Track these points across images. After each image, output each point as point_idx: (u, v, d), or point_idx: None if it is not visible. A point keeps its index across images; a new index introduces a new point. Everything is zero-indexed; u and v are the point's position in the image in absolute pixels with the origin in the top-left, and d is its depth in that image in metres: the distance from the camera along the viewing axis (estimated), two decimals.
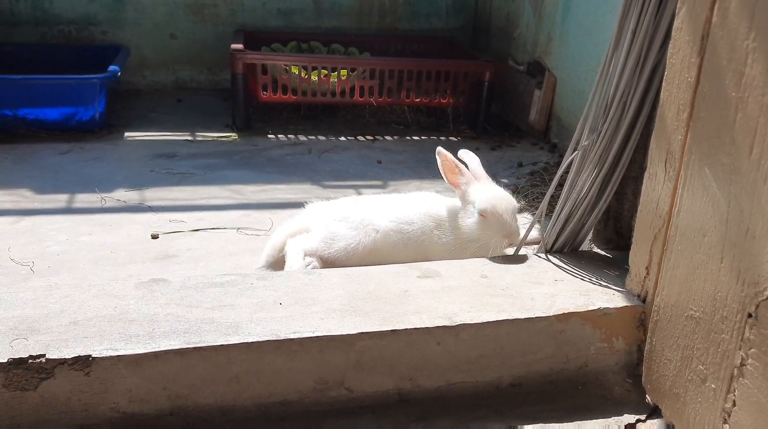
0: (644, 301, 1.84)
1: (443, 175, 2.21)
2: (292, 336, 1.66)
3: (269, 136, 3.83)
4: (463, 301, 1.84)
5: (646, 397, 1.74)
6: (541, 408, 1.79)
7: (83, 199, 2.77)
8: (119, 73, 3.69)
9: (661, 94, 1.70)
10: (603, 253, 2.24)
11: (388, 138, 3.91)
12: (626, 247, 2.23)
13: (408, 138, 3.93)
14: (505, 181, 3.25)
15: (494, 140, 3.92)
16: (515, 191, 3.02)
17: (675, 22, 1.64)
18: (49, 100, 3.54)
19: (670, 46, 1.66)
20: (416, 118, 4.21)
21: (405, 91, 3.94)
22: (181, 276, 2.15)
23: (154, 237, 2.45)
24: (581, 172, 2.08)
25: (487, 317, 1.76)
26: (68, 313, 1.70)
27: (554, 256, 2.16)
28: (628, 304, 1.83)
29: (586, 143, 2.04)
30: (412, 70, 3.90)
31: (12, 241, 2.37)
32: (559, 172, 2.17)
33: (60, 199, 2.76)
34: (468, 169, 2.26)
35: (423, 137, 3.96)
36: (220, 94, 4.70)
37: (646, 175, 1.80)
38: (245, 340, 1.62)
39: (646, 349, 1.71)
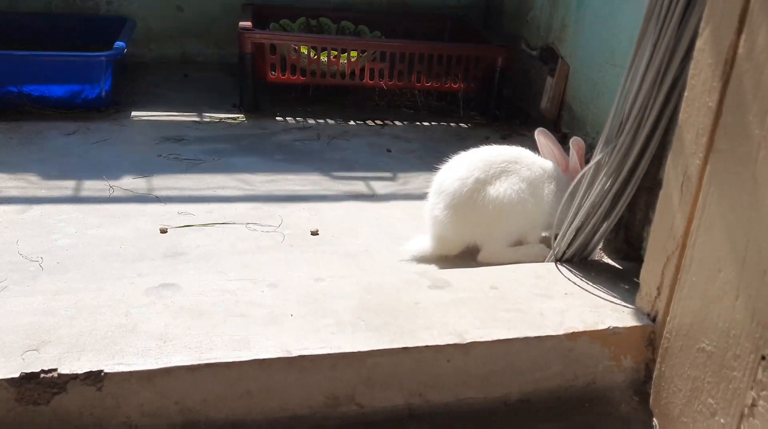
0: (654, 320, 1.84)
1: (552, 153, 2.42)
2: (303, 352, 1.66)
3: (277, 118, 3.79)
4: (474, 316, 1.85)
5: (653, 420, 1.76)
6: (548, 424, 1.80)
7: (91, 187, 2.75)
8: (126, 50, 3.63)
9: (680, 114, 1.68)
10: (613, 263, 2.23)
11: (398, 123, 3.86)
12: (637, 257, 2.23)
13: (418, 124, 3.88)
14: None
15: (505, 128, 3.88)
16: None
17: (698, 41, 1.61)
18: (55, 77, 3.49)
19: (692, 66, 1.63)
20: (426, 102, 4.15)
21: (416, 75, 3.88)
22: (190, 277, 2.16)
23: (163, 231, 2.44)
24: (595, 183, 2.06)
25: (497, 335, 1.77)
26: (79, 322, 1.71)
27: (564, 267, 2.16)
28: (638, 324, 1.84)
29: (600, 156, 2.01)
30: (423, 53, 3.84)
31: (20, 232, 2.36)
32: (573, 184, 2.15)
33: (67, 186, 2.74)
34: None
35: (433, 123, 3.91)
36: (227, 69, 4.62)
37: (661, 194, 1.78)
38: (257, 357, 1.63)
39: (655, 373, 1.72)
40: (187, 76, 4.42)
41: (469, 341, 1.74)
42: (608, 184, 2.01)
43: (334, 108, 4.03)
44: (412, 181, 3.08)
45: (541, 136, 2.44)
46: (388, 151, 3.41)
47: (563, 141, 3.63)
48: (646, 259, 1.85)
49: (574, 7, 3.61)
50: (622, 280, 2.09)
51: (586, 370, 1.85)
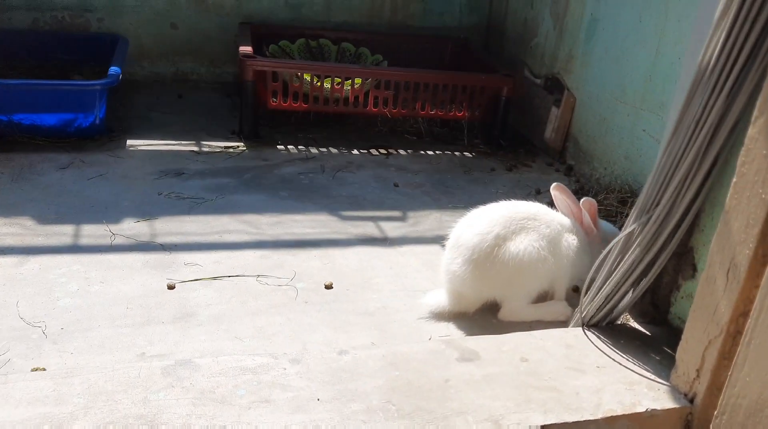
0: (692, 401, 1.79)
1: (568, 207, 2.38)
2: None
3: (279, 146, 3.68)
4: (507, 397, 1.78)
5: None
6: None
7: (91, 233, 2.63)
8: (121, 76, 3.49)
9: (728, 199, 1.62)
10: (640, 328, 2.17)
11: (402, 152, 3.78)
12: (662, 321, 2.18)
13: (422, 153, 3.80)
14: None
15: (509, 158, 3.81)
16: None
17: (750, 129, 1.55)
18: (47, 106, 3.35)
19: (743, 153, 1.57)
20: (430, 128, 4.07)
21: (420, 103, 3.80)
22: (204, 346, 2.06)
23: (171, 287, 2.33)
24: (627, 253, 2.00)
25: (534, 420, 1.70)
26: (95, 412, 1.61)
27: (592, 333, 2.10)
28: (676, 406, 1.79)
29: (633, 227, 1.95)
30: (429, 82, 3.75)
31: (20, 291, 2.24)
32: (604, 253, 2.08)
33: (66, 232, 2.62)
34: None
35: (437, 152, 3.83)
36: (222, 88, 4.51)
37: (703, 277, 1.73)
38: None
39: None
40: (181, 97, 4.29)
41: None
42: (641, 255, 1.95)
43: (336, 134, 3.94)
44: (423, 221, 3.00)
45: (556, 191, 2.37)
46: (396, 185, 3.33)
47: (569, 172, 3.59)
48: (684, 337, 1.80)
49: (582, 40, 3.55)
50: (651, 349, 2.04)
51: None
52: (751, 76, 1.62)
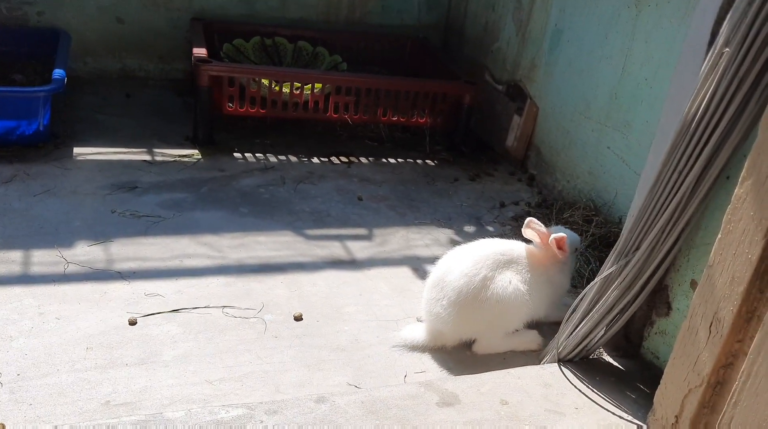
0: None
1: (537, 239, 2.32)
2: None
3: (235, 154, 3.56)
4: None
5: None
6: None
7: (41, 259, 2.48)
8: (65, 80, 3.29)
9: (713, 254, 1.63)
10: (613, 362, 2.20)
11: (363, 160, 3.71)
12: (634, 354, 2.21)
13: (384, 161, 3.74)
14: (490, 228, 3.14)
15: (471, 166, 3.79)
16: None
17: (738, 189, 1.55)
18: None
19: (729, 211, 1.57)
20: (391, 133, 4.01)
21: (382, 109, 3.72)
22: (174, 392, 1.96)
23: (132, 323, 2.22)
24: (605, 293, 2.00)
25: None
26: None
27: (567, 369, 2.11)
28: None
29: (612, 270, 1.95)
30: (390, 89, 3.68)
31: None
32: (581, 295, 2.08)
33: (14, 259, 2.46)
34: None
35: (399, 160, 3.78)
36: (172, 86, 4.32)
37: (684, 325, 1.74)
38: None
39: None
40: (129, 97, 4.09)
41: None
42: (618, 296, 1.96)
43: (295, 140, 3.83)
44: (390, 239, 2.95)
45: (528, 229, 2.33)
46: (360, 199, 3.26)
47: (531, 183, 3.59)
48: (663, 382, 1.81)
49: (546, 49, 3.53)
50: (626, 385, 2.06)
51: None
52: (737, 129, 1.62)
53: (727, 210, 1.56)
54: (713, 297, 1.61)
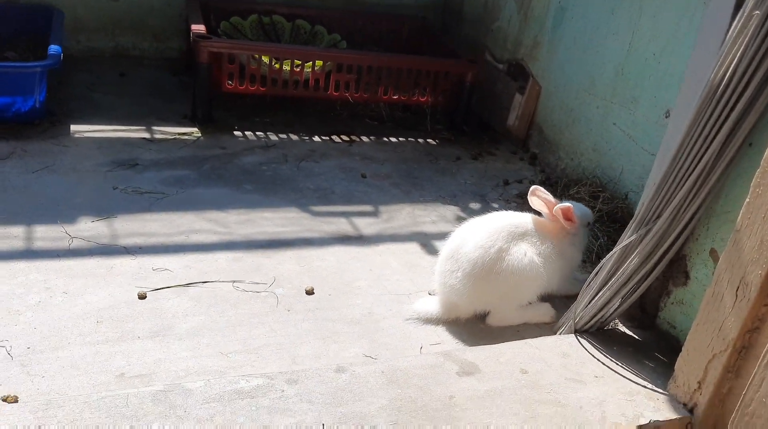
0: (691, 411, 1.81)
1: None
2: None
3: (236, 133, 3.50)
4: (514, 412, 1.75)
5: None
6: None
7: (44, 235, 2.42)
8: (62, 56, 3.21)
9: (740, 219, 1.62)
10: (629, 332, 2.19)
11: (365, 139, 3.67)
12: (650, 325, 2.20)
13: (385, 140, 3.71)
14: (495, 206, 3.13)
15: (473, 146, 3.77)
16: None
17: None
18: None
19: (759, 175, 1.57)
20: (391, 113, 3.97)
21: (383, 88, 3.68)
22: (190, 364, 1.92)
23: (142, 297, 2.18)
24: (624, 263, 1.99)
25: None
26: None
27: (585, 339, 2.10)
28: (677, 416, 1.81)
29: (632, 238, 1.94)
30: (392, 66, 3.64)
31: None
32: (598, 266, 2.06)
33: (16, 235, 2.40)
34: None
35: (401, 139, 3.75)
36: (167, 65, 4.24)
37: (708, 292, 1.74)
38: None
39: None
40: (123, 76, 4.01)
41: None
42: (638, 265, 1.94)
43: (295, 119, 3.78)
44: (396, 216, 2.92)
45: (534, 196, 2.32)
46: (363, 176, 3.23)
47: (533, 162, 3.58)
48: (685, 349, 1.81)
49: (549, 27, 3.51)
50: (644, 355, 2.05)
51: None
52: (765, 93, 1.61)
53: (756, 173, 1.56)
54: (740, 261, 1.61)
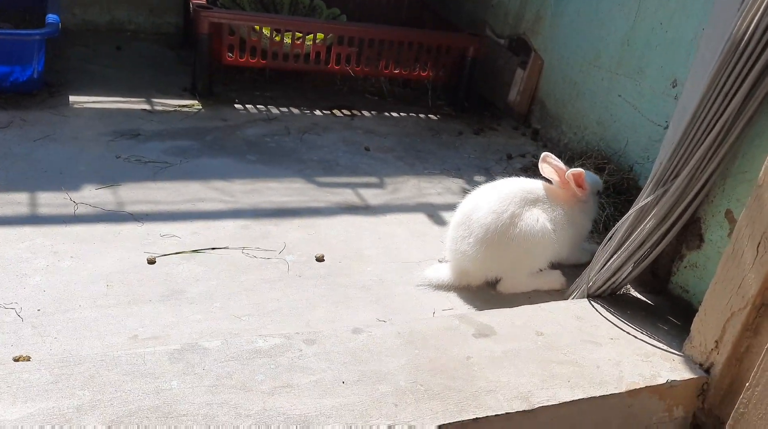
0: (708, 371, 1.81)
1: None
2: None
3: (236, 105, 3.47)
4: (531, 372, 1.75)
5: None
6: None
7: (49, 201, 2.38)
8: (60, 25, 3.16)
9: (762, 174, 1.62)
10: (641, 297, 2.19)
11: (366, 113, 3.65)
12: (661, 290, 2.21)
13: (387, 114, 3.68)
14: (499, 178, 3.10)
15: (475, 121, 3.75)
16: None
17: None
18: None
19: None
20: (391, 88, 3.95)
21: (384, 61, 3.66)
22: (203, 327, 1.91)
23: (151, 262, 2.15)
24: (640, 225, 1.99)
25: (563, 396, 1.69)
26: (103, 405, 1.46)
27: (597, 304, 2.10)
28: (694, 376, 1.81)
29: (647, 200, 1.94)
30: (394, 40, 3.61)
31: None
32: (613, 230, 2.06)
33: (20, 201, 2.36)
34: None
35: (402, 114, 3.73)
36: (164, 40, 4.19)
37: (727, 250, 1.73)
38: None
39: None
40: (120, 49, 3.95)
41: (537, 406, 1.64)
42: (654, 227, 1.94)
43: (295, 93, 3.75)
44: (401, 187, 2.91)
45: (544, 163, 2.32)
46: (367, 149, 3.21)
47: (535, 137, 3.58)
48: (702, 309, 1.81)
49: (552, 0, 3.50)
50: (657, 319, 2.06)
51: (641, 423, 1.81)
52: None
53: None
54: (762, 217, 1.61)
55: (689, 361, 1.86)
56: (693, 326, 1.85)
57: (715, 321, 1.77)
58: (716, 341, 1.78)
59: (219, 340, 1.71)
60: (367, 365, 1.70)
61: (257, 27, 3.43)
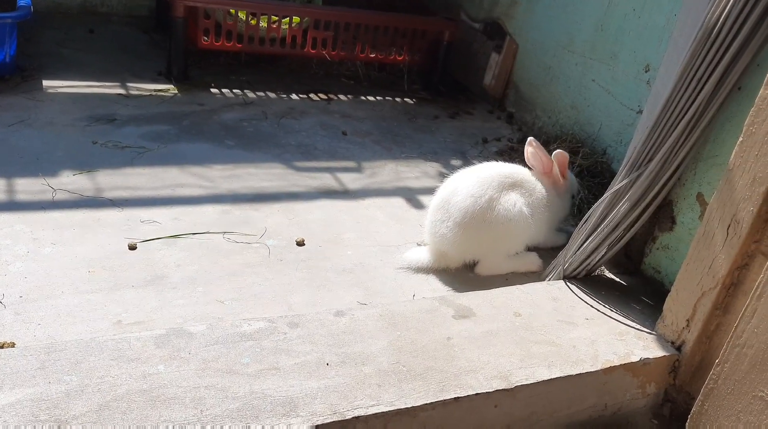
0: (679, 349, 1.88)
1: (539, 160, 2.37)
2: (356, 413, 1.54)
3: (212, 90, 3.45)
4: (510, 353, 1.80)
5: None
6: None
7: (26, 187, 2.37)
8: (32, 8, 3.11)
9: (733, 157, 1.67)
10: (614, 278, 2.26)
11: (342, 97, 3.65)
12: (635, 271, 2.27)
13: (363, 98, 3.70)
14: (476, 163, 3.15)
15: (450, 105, 3.79)
16: None
17: (763, 90, 1.59)
18: None
19: (753, 113, 1.62)
20: (367, 72, 3.96)
21: (360, 45, 3.66)
22: (187, 311, 1.92)
23: (132, 248, 2.15)
24: (615, 208, 2.04)
25: (540, 375, 1.74)
26: (91, 390, 1.48)
27: (573, 285, 2.16)
28: (666, 354, 1.88)
29: (622, 183, 1.99)
30: (370, 24, 3.62)
31: None
32: (589, 212, 2.11)
33: None
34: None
35: (378, 98, 3.74)
36: (137, 23, 4.14)
37: (699, 231, 1.79)
38: (312, 424, 1.49)
39: (694, 410, 1.76)
40: (92, 32, 3.90)
41: (516, 385, 1.70)
42: (628, 210, 2.00)
43: (271, 78, 3.74)
44: (380, 172, 2.93)
45: (530, 146, 2.37)
46: (344, 134, 3.22)
47: (510, 120, 3.62)
48: (675, 289, 1.88)
49: None
50: (631, 299, 2.12)
51: (615, 399, 1.88)
52: (758, 34, 1.65)
53: (750, 112, 1.61)
54: (732, 199, 1.67)
55: (661, 339, 1.92)
56: (665, 306, 1.91)
57: (687, 300, 1.83)
58: (687, 320, 1.84)
59: (204, 324, 1.73)
60: (350, 347, 1.74)
61: (233, 11, 3.41)
